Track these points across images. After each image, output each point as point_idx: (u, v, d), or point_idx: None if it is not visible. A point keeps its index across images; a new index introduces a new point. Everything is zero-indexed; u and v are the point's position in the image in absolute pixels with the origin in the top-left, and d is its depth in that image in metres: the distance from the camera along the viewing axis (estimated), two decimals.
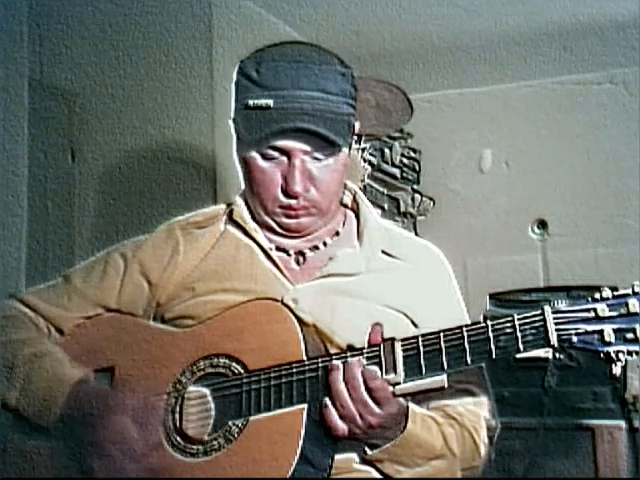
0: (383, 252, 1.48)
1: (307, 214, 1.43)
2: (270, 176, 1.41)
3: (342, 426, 1.25)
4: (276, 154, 1.39)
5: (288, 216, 1.43)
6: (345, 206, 1.55)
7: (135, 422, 1.30)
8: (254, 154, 1.41)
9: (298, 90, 1.37)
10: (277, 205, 1.42)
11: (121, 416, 1.30)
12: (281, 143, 1.38)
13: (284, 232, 1.46)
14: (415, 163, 3.54)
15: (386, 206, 3.33)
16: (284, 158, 1.39)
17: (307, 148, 1.38)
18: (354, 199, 1.55)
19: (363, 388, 1.23)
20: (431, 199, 3.54)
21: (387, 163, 3.36)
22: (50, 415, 1.34)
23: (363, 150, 3.09)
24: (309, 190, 1.41)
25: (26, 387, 1.37)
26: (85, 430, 1.31)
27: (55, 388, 1.35)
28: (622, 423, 2.60)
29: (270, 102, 1.37)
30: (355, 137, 1.49)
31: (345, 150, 1.43)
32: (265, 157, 1.40)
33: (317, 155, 1.39)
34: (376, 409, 1.24)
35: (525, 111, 3.79)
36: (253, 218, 1.48)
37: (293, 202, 1.41)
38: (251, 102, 1.38)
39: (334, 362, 1.26)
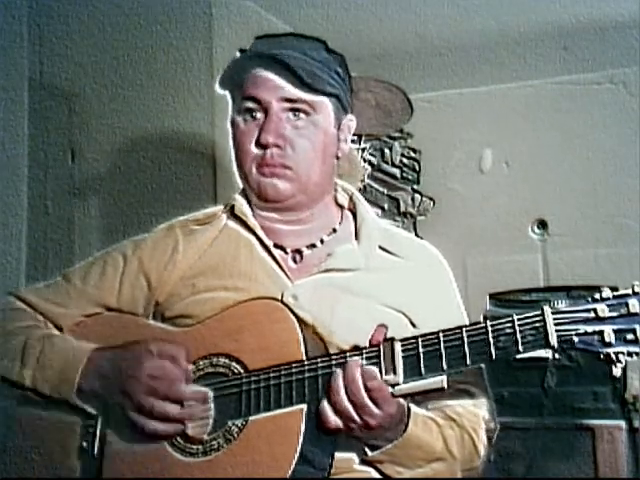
0: (381, 248, 1.48)
1: (283, 176, 1.43)
2: (247, 135, 1.44)
3: (335, 420, 1.24)
4: (254, 106, 1.42)
5: (263, 174, 1.43)
6: (342, 207, 1.55)
7: (165, 358, 1.31)
8: (238, 119, 1.45)
9: (281, 50, 1.42)
10: (253, 163, 1.43)
11: (151, 357, 1.31)
12: (256, 82, 1.41)
13: (263, 203, 1.46)
14: (415, 163, 3.53)
15: (386, 206, 3.33)
16: (261, 115, 1.42)
17: (281, 84, 1.40)
18: (351, 199, 1.55)
19: (363, 390, 1.23)
20: (431, 199, 3.53)
21: (387, 163, 3.35)
22: (70, 388, 1.34)
23: (363, 150, 3.09)
24: (283, 147, 1.41)
25: (41, 363, 1.38)
26: (117, 384, 1.31)
27: (71, 359, 1.37)
28: (622, 423, 2.60)
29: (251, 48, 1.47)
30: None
31: (326, 119, 1.45)
32: (245, 117, 1.43)
33: (294, 105, 1.41)
34: (375, 410, 1.23)
35: (525, 111, 3.79)
36: (253, 215, 1.49)
37: (267, 154, 1.41)
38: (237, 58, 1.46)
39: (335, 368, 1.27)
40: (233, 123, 1.47)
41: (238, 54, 1.49)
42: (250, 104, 1.43)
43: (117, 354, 1.35)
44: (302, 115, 1.42)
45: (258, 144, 1.42)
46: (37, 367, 1.38)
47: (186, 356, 1.32)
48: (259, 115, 1.43)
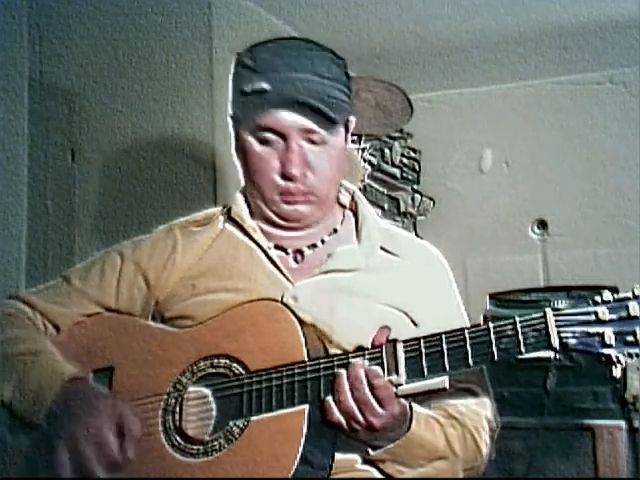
0: (382, 249, 1.48)
1: (306, 201, 1.43)
2: (267, 161, 1.41)
3: (339, 415, 1.24)
4: (272, 136, 1.40)
5: (287, 202, 1.43)
6: (343, 206, 1.55)
7: (116, 432, 1.28)
8: (251, 139, 1.42)
9: (293, 73, 1.39)
10: (276, 192, 1.42)
11: (104, 420, 1.28)
12: (276, 118, 1.38)
13: (283, 222, 1.46)
14: (415, 163, 3.54)
15: (386, 206, 3.33)
16: (280, 142, 1.40)
17: (303, 122, 1.38)
18: (352, 199, 1.55)
19: (367, 388, 1.23)
20: (431, 199, 3.54)
21: (387, 163, 3.36)
22: (40, 411, 1.33)
23: (363, 150, 3.09)
24: (306, 175, 1.41)
25: (20, 383, 1.37)
26: (66, 423, 1.29)
27: (48, 384, 1.35)
28: (622, 423, 2.60)
29: (266, 86, 1.38)
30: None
31: (340, 138, 1.44)
32: (261, 142, 1.41)
33: (313, 136, 1.40)
34: (379, 409, 1.23)
35: (525, 111, 3.79)
36: (251, 216, 1.48)
37: (292, 185, 1.41)
38: (247, 88, 1.40)
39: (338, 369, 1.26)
40: (241, 137, 1.44)
41: (234, 66, 1.46)
42: (268, 134, 1.40)
43: (90, 393, 1.33)
44: (319, 134, 1.41)
45: (283, 176, 1.40)
46: (16, 387, 1.37)
47: (137, 437, 1.29)
48: (275, 138, 1.40)
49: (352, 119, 1.51)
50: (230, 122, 1.48)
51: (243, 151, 1.44)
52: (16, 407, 1.36)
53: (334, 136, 1.42)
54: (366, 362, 1.25)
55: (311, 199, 1.43)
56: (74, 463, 1.26)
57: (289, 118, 1.38)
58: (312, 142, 1.40)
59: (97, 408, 1.29)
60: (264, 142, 1.41)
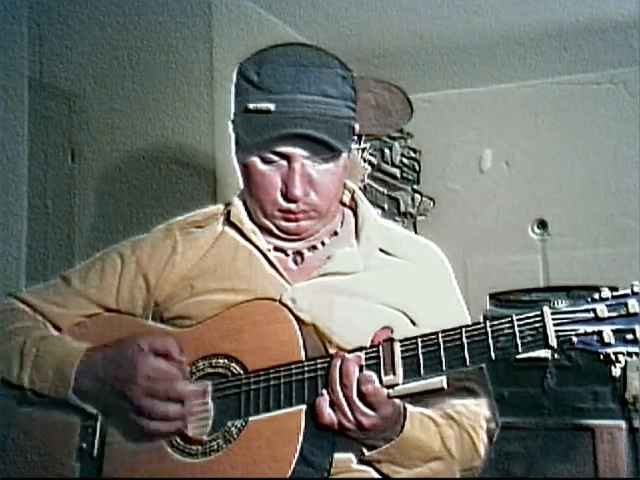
0: (381, 250, 1.48)
1: (307, 217, 1.43)
2: (270, 180, 1.40)
3: (331, 416, 1.23)
4: (276, 158, 1.39)
5: (287, 219, 1.43)
6: (343, 205, 1.54)
7: (159, 355, 1.30)
8: (253, 157, 1.41)
9: (299, 94, 1.37)
10: (276, 209, 1.42)
11: (144, 357, 1.30)
12: (282, 148, 1.38)
13: (283, 235, 1.46)
14: (415, 163, 3.54)
15: (386, 206, 3.34)
16: (284, 162, 1.39)
17: (308, 153, 1.38)
18: (352, 198, 1.55)
19: (355, 387, 1.23)
20: (431, 199, 3.54)
21: (387, 163, 3.36)
22: (66, 387, 1.34)
23: (363, 150, 3.10)
24: (309, 194, 1.40)
25: (37, 365, 1.38)
26: (114, 386, 1.31)
27: (66, 360, 1.36)
28: (622, 423, 2.59)
29: (271, 106, 1.36)
30: (355, 137, 1.49)
31: (345, 154, 1.43)
32: (265, 161, 1.40)
33: (317, 160, 1.39)
34: (367, 410, 1.23)
35: (525, 111, 3.80)
36: (251, 219, 1.48)
37: (293, 206, 1.41)
38: (252, 106, 1.38)
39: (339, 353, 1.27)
40: (242, 149, 1.43)
41: (237, 75, 1.44)
42: (271, 155, 1.39)
43: (110, 355, 1.34)
44: (323, 159, 1.40)
45: (286, 197, 1.40)
46: (34, 369, 1.39)
47: (179, 350, 1.32)
48: (279, 159, 1.39)
49: (356, 126, 1.50)
50: (230, 125, 1.47)
51: (244, 164, 1.43)
52: (39, 390, 1.38)
53: (338, 157, 1.42)
54: (363, 362, 1.25)
55: (312, 215, 1.43)
56: (149, 410, 1.28)
57: (293, 148, 1.38)
58: (316, 162, 1.40)
59: (131, 355, 1.31)
60: (267, 161, 1.40)
